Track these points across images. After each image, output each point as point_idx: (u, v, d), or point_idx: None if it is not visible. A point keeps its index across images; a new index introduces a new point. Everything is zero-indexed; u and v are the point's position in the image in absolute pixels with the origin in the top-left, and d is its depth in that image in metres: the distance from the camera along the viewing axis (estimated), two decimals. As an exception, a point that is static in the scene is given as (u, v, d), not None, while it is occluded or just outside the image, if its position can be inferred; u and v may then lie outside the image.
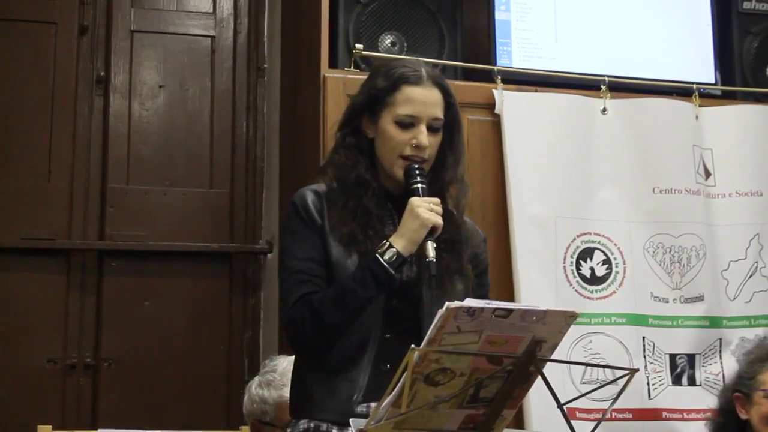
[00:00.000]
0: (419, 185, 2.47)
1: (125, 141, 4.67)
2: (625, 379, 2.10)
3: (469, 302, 1.97)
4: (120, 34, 4.73)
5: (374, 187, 2.53)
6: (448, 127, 2.57)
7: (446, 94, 2.57)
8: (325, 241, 2.48)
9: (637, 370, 2.15)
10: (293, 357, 3.11)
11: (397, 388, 1.97)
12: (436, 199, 2.47)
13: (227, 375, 4.63)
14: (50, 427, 3.28)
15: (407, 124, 2.50)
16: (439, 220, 2.42)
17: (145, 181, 4.67)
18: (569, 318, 2.06)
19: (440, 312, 1.95)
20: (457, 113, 2.60)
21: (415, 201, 2.43)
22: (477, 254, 2.63)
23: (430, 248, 2.41)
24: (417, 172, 2.49)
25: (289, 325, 2.46)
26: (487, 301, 2.01)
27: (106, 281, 4.57)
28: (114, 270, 4.59)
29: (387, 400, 1.99)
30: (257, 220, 4.78)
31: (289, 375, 3.05)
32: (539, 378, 2.07)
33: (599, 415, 3.76)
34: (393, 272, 2.40)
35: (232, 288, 4.72)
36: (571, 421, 2.11)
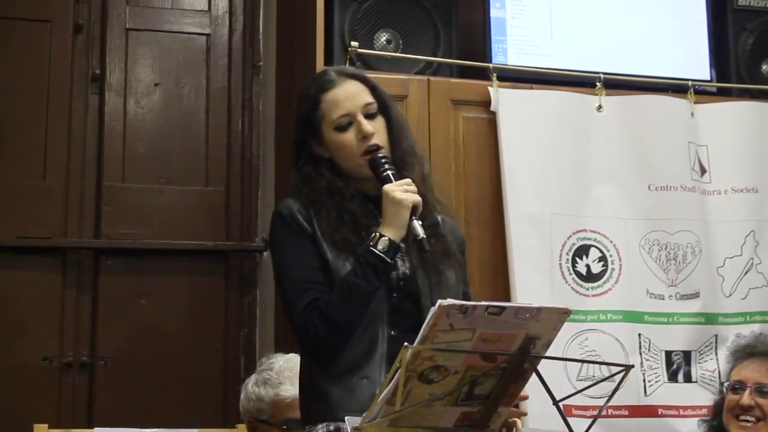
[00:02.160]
0: (388, 172, 2.50)
1: (121, 139, 4.67)
2: (620, 376, 2.10)
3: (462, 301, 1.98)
4: (115, 32, 4.73)
5: (351, 191, 2.55)
6: (381, 109, 2.60)
7: (363, 80, 2.62)
8: (318, 248, 2.49)
9: (632, 366, 2.15)
10: (290, 355, 3.12)
11: (390, 385, 1.97)
12: (408, 180, 2.50)
13: (223, 373, 4.63)
14: (46, 425, 3.28)
15: (345, 125, 2.54)
16: (418, 198, 2.46)
17: (140, 179, 4.66)
18: (563, 315, 2.07)
19: (433, 310, 1.95)
20: (382, 93, 2.63)
21: (388, 187, 2.46)
22: (462, 247, 2.65)
23: (418, 227, 2.44)
24: (381, 160, 2.52)
25: (302, 334, 2.46)
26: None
27: (101, 279, 4.57)
28: (110, 268, 4.58)
29: (381, 398, 1.99)
30: (253, 218, 4.77)
31: (286, 373, 3.05)
32: (534, 376, 2.08)
33: (596, 412, 3.77)
34: (389, 260, 2.43)
35: (228, 286, 4.71)
36: (568, 419, 2.12)
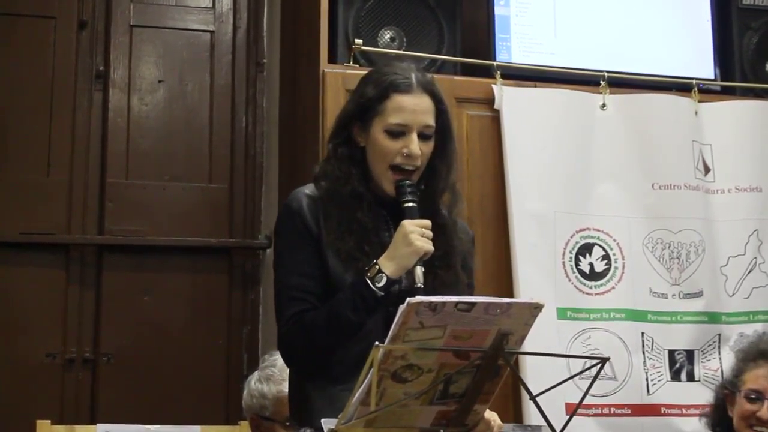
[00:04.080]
0: (410, 204, 2.45)
1: (124, 136, 4.67)
2: (597, 370, 2.08)
3: (430, 297, 1.96)
4: (119, 29, 4.73)
5: (369, 200, 2.51)
6: (440, 135, 2.54)
7: (437, 101, 2.54)
8: (321, 252, 2.46)
9: (608, 358, 2.13)
10: None
11: (364, 386, 1.96)
12: (427, 222, 2.44)
13: (226, 370, 4.63)
14: (49, 421, 3.27)
15: (398, 132, 2.48)
16: (430, 247, 2.41)
17: (144, 176, 4.67)
18: (534, 310, 2.03)
19: (401, 308, 1.93)
20: (448, 120, 2.57)
21: (408, 226, 2.41)
22: (465, 257, 2.61)
23: (419, 274, 2.39)
24: (408, 189, 2.47)
25: (282, 345, 2.47)
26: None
27: (105, 276, 4.57)
28: (113, 265, 4.58)
29: (355, 399, 1.97)
30: (256, 215, 4.77)
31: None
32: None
33: (598, 411, 3.78)
34: (382, 295, 2.38)
35: (231, 283, 4.72)
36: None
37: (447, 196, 2.58)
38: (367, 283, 2.37)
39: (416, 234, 2.39)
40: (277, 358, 3.21)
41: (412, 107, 2.49)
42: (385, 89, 2.50)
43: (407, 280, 2.45)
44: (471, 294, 2.58)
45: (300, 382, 2.49)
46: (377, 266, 2.38)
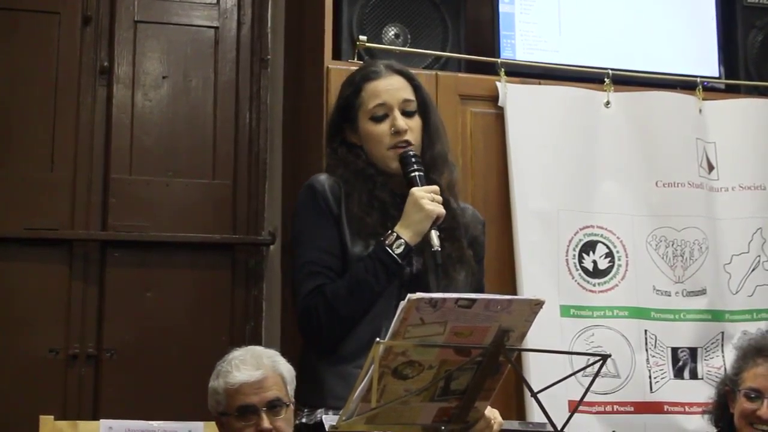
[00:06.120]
0: (417, 173, 2.55)
1: (128, 131, 4.67)
2: (598, 367, 2.08)
3: (432, 293, 1.98)
4: (123, 25, 4.72)
5: (381, 180, 2.58)
6: (420, 109, 2.65)
7: (409, 78, 2.67)
8: (341, 231, 2.52)
9: (609, 355, 2.14)
10: (250, 346, 3.04)
11: (365, 382, 1.96)
12: (435, 188, 2.54)
13: (229, 366, 4.62)
14: (52, 417, 3.27)
15: (381, 116, 2.59)
16: (442, 210, 2.50)
17: (147, 172, 4.66)
18: (535, 306, 2.05)
19: (402, 304, 1.95)
20: (425, 94, 2.68)
21: (417, 192, 2.49)
22: (476, 237, 2.66)
23: (435, 238, 2.48)
24: (413, 159, 2.56)
25: (303, 317, 2.49)
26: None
27: (108, 272, 4.57)
28: (116, 260, 4.58)
29: (356, 395, 1.98)
30: (260, 212, 4.77)
31: (234, 361, 2.92)
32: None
33: (600, 408, 3.78)
34: (402, 262, 2.44)
35: (234, 279, 4.71)
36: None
37: (446, 171, 2.64)
38: (386, 250, 2.46)
39: (426, 199, 2.49)
40: (230, 354, 3.11)
41: (386, 87, 2.62)
42: (358, 83, 2.64)
43: (422, 260, 2.52)
44: (480, 280, 2.63)
45: (312, 364, 2.51)
46: (395, 234, 2.47)
